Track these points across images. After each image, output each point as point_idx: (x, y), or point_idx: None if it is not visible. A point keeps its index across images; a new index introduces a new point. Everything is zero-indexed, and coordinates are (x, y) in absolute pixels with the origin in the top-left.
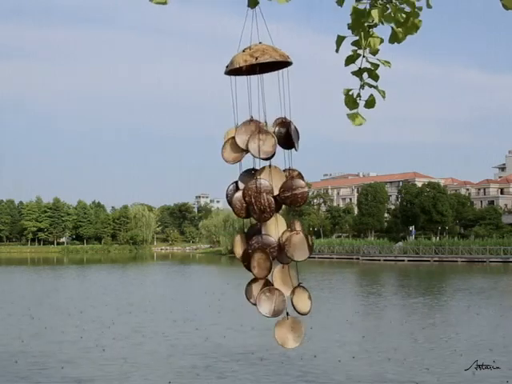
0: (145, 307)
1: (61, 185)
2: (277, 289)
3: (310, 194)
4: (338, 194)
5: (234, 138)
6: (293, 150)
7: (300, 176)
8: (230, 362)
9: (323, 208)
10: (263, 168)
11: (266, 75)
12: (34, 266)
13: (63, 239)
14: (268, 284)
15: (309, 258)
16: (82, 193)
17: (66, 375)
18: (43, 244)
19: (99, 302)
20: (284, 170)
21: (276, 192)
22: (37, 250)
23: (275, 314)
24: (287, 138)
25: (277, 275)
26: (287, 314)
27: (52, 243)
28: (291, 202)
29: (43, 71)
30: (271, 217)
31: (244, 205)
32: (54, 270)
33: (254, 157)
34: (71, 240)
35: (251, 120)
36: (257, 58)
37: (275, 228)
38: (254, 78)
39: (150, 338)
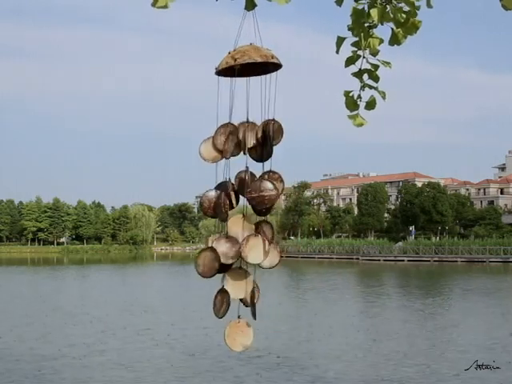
0: (148, 308)
1: (61, 185)
2: (227, 292)
3: (310, 193)
4: (338, 193)
5: (213, 137)
6: (274, 149)
7: (280, 180)
8: (241, 366)
9: (323, 208)
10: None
11: (268, 76)
12: (34, 266)
13: (63, 239)
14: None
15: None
16: (81, 193)
17: (72, 379)
18: (43, 244)
19: (101, 303)
20: (263, 173)
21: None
22: (37, 250)
23: (222, 315)
24: (263, 141)
25: (229, 277)
26: (239, 316)
27: (52, 243)
28: (257, 203)
29: (43, 71)
30: (226, 217)
31: (212, 204)
32: (54, 271)
33: (225, 158)
34: (71, 240)
35: (247, 122)
36: (236, 60)
37: (240, 229)
38: (254, 78)
39: (158, 341)
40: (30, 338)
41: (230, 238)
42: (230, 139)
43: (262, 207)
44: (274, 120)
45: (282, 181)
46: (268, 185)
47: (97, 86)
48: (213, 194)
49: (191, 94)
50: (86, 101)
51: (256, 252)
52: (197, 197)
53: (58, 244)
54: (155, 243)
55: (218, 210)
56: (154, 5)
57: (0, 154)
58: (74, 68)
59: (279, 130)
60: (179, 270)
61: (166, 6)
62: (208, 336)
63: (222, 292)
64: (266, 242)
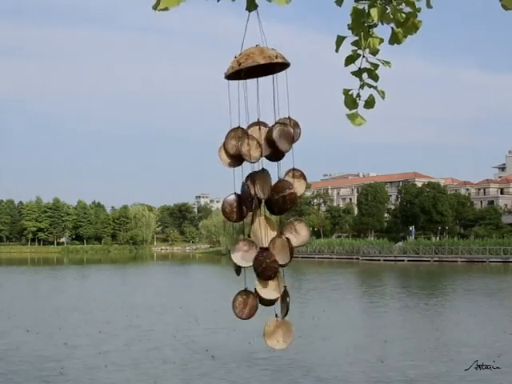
0: (150, 309)
1: (61, 185)
2: (252, 293)
3: (310, 194)
4: (338, 194)
5: (224, 142)
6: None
7: (303, 176)
8: (247, 368)
9: (323, 208)
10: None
11: (276, 76)
12: (34, 266)
13: (63, 239)
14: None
15: (290, 261)
16: (81, 193)
17: (76, 381)
18: (43, 244)
19: (103, 304)
20: (288, 171)
21: (264, 195)
22: (37, 250)
23: (246, 317)
24: (273, 142)
25: (261, 278)
26: (276, 315)
27: (52, 243)
28: (281, 204)
29: (43, 71)
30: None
31: (234, 209)
32: (54, 271)
33: (247, 161)
34: (71, 240)
35: (258, 123)
36: (240, 64)
37: (263, 231)
38: (264, 80)
39: (161, 342)
40: (31, 339)
41: (247, 241)
42: (251, 144)
43: (284, 208)
44: (289, 118)
45: (304, 178)
46: (288, 184)
47: (97, 86)
48: (233, 198)
49: (191, 94)
50: (86, 101)
51: (284, 253)
52: (197, 197)
53: (58, 244)
54: (155, 243)
55: (247, 206)
56: (155, 8)
57: (0, 154)
58: (74, 68)
59: (296, 127)
60: (180, 270)
61: (167, 9)
62: (212, 337)
63: (245, 293)
64: (290, 242)
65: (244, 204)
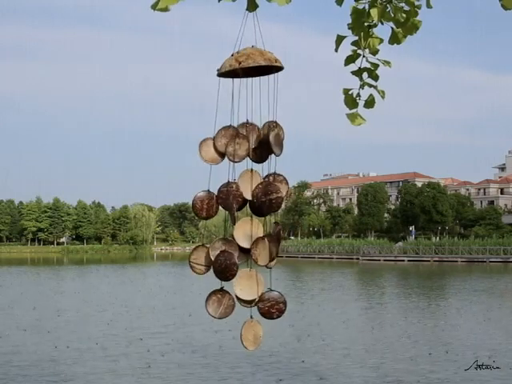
0: (150, 310)
1: (61, 185)
2: (228, 292)
3: (310, 194)
4: (338, 194)
5: (213, 139)
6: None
7: (285, 182)
8: (256, 373)
9: (323, 208)
10: (244, 172)
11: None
12: (34, 267)
13: (63, 239)
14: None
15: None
16: (81, 193)
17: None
18: (43, 244)
19: (103, 304)
20: (268, 175)
21: (250, 196)
22: (37, 250)
23: (221, 316)
24: (267, 143)
25: (240, 279)
26: (251, 316)
27: (52, 243)
28: (267, 207)
29: (43, 71)
30: (234, 220)
31: (204, 206)
32: (54, 271)
33: (230, 160)
34: (71, 240)
35: (247, 123)
36: (240, 63)
37: (249, 232)
38: (263, 79)
39: (167, 345)
40: (32, 341)
41: (225, 241)
42: (240, 143)
43: (270, 211)
44: (275, 122)
45: (286, 183)
46: (275, 187)
47: (97, 85)
48: (204, 194)
49: (191, 93)
50: (86, 101)
51: (264, 254)
52: None
53: (58, 244)
54: (155, 243)
55: (228, 209)
56: (153, 8)
57: (0, 154)
58: (74, 68)
59: (278, 137)
60: (180, 270)
61: (166, 9)
62: (219, 340)
63: (220, 292)
64: (270, 244)
65: (223, 203)
